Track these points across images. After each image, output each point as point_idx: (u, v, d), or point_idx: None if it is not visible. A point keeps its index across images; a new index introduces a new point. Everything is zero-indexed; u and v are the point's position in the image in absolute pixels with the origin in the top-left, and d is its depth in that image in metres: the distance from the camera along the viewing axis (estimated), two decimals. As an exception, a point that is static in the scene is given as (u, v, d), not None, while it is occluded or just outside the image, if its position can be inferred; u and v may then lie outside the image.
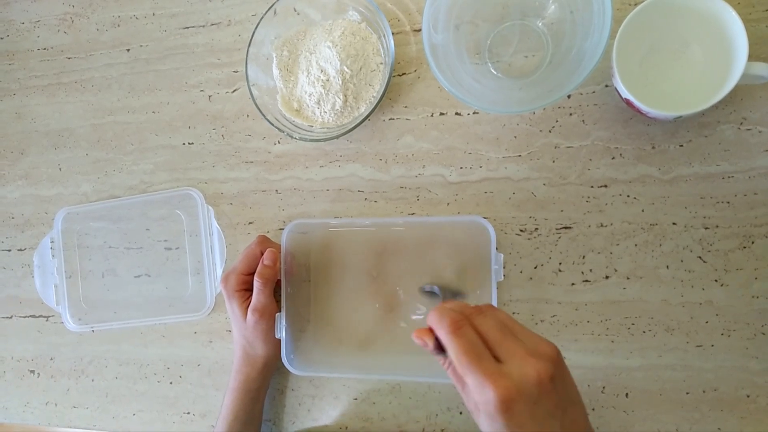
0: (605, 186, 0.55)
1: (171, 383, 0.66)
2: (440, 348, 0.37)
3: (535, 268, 0.56)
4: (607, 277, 0.55)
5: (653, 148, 0.54)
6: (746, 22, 0.45)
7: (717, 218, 0.53)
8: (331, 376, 0.61)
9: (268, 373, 0.60)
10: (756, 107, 0.52)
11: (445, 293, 0.56)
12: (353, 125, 0.57)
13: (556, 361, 0.35)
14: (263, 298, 0.56)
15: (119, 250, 0.69)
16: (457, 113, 0.59)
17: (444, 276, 0.57)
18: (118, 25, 0.71)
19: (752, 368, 0.51)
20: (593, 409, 0.54)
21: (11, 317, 0.72)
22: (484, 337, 0.35)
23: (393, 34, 0.57)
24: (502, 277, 0.55)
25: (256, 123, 0.65)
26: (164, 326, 0.67)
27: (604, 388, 0.54)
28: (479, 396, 0.33)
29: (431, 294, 0.57)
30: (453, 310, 0.37)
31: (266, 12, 0.60)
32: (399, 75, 0.61)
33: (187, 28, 0.68)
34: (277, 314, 0.57)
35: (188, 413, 0.65)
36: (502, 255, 0.55)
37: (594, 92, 0.55)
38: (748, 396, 0.51)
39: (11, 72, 0.74)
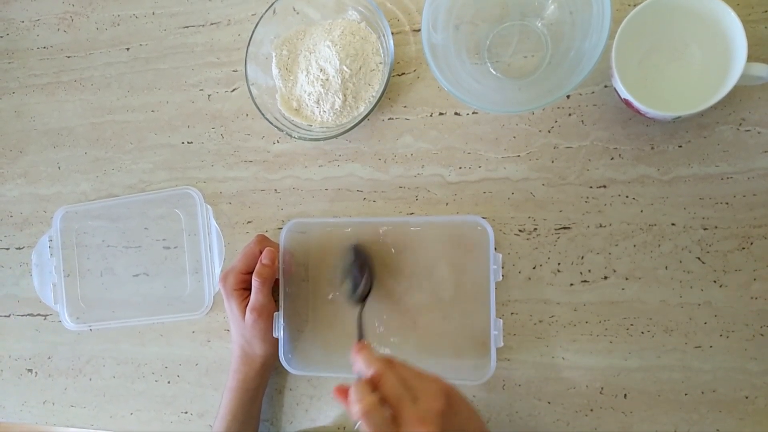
0: (604, 186, 0.55)
1: (169, 382, 0.66)
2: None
3: (534, 268, 0.56)
4: (605, 278, 0.55)
5: (652, 148, 0.54)
6: (745, 23, 0.45)
7: (716, 219, 0.53)
8: (329, 375, 0.61)
9: (267, 373, 0.60)
10: (755, 108, 0.52)
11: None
12: (352, 125, 0.57)
13: (444, 412, 0.41)
14: (262, 297, 0.56)
15: (118, 249, 0.69)
16: (456, 113, 0.59)
17: (441, 275, 0.57)
18: (118, 24, 0.71)
19: (751, 369, 0.51)
20: (591, 410, 0.54)
21: (9, 316, 0.72)
22: (387, 400, 0.41)
23: (392, 33, 0.57)
24: (501, 277, 0.54)
25: (256, 122, 0.65)
26: (162, 325, 0.67)
27: (602, 388, 0.54)
28: None
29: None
30: (365, 392, 0.41)
31: (266, 11, 0.60)
32: (398, 75, 0.61)
33: (187, 27, 0.68)
34: (275, 313, 0.57)
35: (186, 413, 0.65)
36: (501, 255, 0.55)
37: (593, 93, 0.55)
38: (746, 397, 0.51)
39: (11, 71, 0.74)
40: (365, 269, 0.57)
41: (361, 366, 0.44)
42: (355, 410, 0.40)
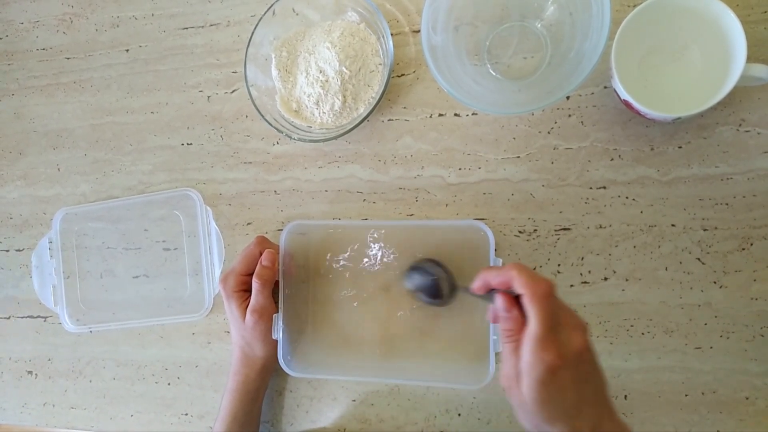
0: (604, 187, 0.55)
1: (169, 384, 0.66)
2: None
3: (534, 269, 0.56)
4: (605, 279, 0.55)
5: (652, 149, 0.54)
6: (745, 23, 0.45)
7: (716, 220, 0.52)
8: (329, 378, 0.61)
9: (267, 374, 0.60)
10: (754, 109, 0.52)
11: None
12: (352, 126, 0.57)
13: (588, 335, 0.39)
14: (262, 298, 0.56)
15: (117, 251, 0.69)
16: (455, 114, 0.59)
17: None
18: (117, 26, 0.71)
19: (751, 370, 0.51)
20: (592, 411, 0.54)
21: (9, 318, 0.72)
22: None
23: (392, 35, 0.57)
24: (501, 280, 0.54)
25: (255, 124, 0.65)
26: (162, 327, 0.67)
27: (602, 389, 0.54)
28: (534, 359, 0.37)
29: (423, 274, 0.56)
30: (538, 275, 0.39)
31: (265, 13, 0.60)
32: (398, 76, 0.61)
33: (186, 28, 0.68)
34: (274, 315, 0.57)
35: (186, 414, 0.65)
36: (501, 260, 0.55)
37: (593, 94, 0.55)
38: (747, 398, 0.51)
39: (10, 72, 0.74)
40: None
41: (525, 275, 0.39)
42: (535, 290, 0.38)
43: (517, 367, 0.39)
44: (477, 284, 0.42)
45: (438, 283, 0.54)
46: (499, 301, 0.40)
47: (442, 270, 0.55)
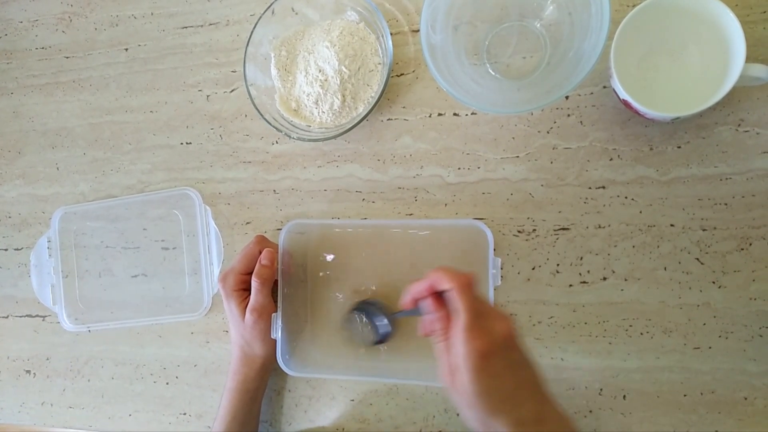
0: (603, 187, 0.55)
1: (167, 384, 0.66)
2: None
3: (533, 269, 0.56)
4: (604, 279, 0.55)
5: (651, 149, 0.54)
6: (744, 23, 0.45)
7: (715, 220, 0.53)
8: (328, 377, 0.61)
9: (266, 374, 0.60)
10: (753, 109, 0.52)
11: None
12: (351, 125, 0.57)
13: (513, 324, 0.40)
14: (261, 298, 0.56)
15: (116, 250, 0.68)
16: (455, 114, 0.59)
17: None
18: (117, 25, 0.71)
19: (750, 370, 0.51)
20: (590, 411, 0.54)
21: (8, 317, 0.72)
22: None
23: (391, 34, 0.57)
24: (500, 281, 0.54)
25: (254, 123, 0.65)
26: (161, 326, 0.67)
27: (601, 390, 0.54)
28: (466, 348, 0.38)
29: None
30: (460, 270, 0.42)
31: (264, 12, 0.60)
32: (397, 75, 0.61)
33: (186, 27, 0.68)
34: (272, 314, 0.57)
35: (184, 414, 0.65)
36: (500, 259, 0.55)
37: (592, 93, 0.55)
38: (745, 398, 0.51)
39: (9, 71, 0.74)
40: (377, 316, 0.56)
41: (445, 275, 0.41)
42: (457, 282, 0.40)
43: (452, 363, 0.40)
44: (406, 299, 0.44)
45: (375, 323, 0.56)
46: (428, 304, 0.42)
47: (374, 307, 0.56)
